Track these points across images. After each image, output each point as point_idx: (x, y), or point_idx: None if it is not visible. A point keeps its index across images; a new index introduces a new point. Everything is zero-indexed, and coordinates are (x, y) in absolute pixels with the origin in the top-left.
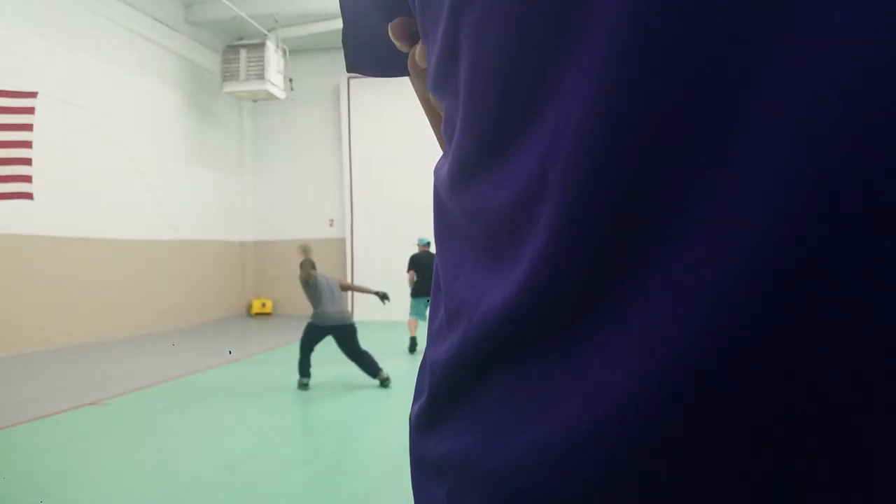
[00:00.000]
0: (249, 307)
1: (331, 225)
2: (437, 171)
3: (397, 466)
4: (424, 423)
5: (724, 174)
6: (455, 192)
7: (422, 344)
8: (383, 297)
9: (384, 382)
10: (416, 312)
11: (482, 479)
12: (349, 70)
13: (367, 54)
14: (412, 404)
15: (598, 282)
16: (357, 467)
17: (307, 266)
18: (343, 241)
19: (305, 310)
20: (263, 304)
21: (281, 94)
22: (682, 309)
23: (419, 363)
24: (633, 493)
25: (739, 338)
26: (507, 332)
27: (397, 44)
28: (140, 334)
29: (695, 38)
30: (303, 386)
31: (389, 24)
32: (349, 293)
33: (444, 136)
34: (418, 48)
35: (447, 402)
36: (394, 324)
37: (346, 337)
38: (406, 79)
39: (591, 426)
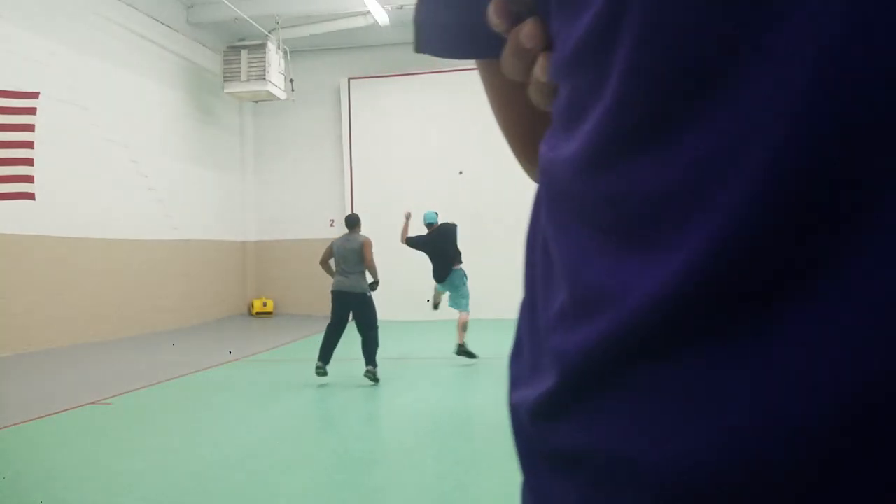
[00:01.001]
0: (250, 307)
1: (331, 225)
2: (550, 151)
3: (398, 465)
4: (548, 413)
5: None
6: (591, 172)
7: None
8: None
9: (368, 375)
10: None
11: (643, 473)
12: (417, 50)
13: (442, 33)
14: (512, 392)
15: (790, 270)
16: (358, 466)
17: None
18: None
19: (306, 309)
20: (264, 304)
21: (282, 95)
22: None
23: (509, 354)
24: (853, 495)
25: None
26: (668, 322)
27: (496, 22)
28: (141, 334)
29: None
30: (317, 369)
31: (492, 2)
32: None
33: (559, 115)
34: (527, 26)
35: (585, 391)
36: (395, 324)
37: (353, 307)
38: (407, 79)
39: (800, 420)
